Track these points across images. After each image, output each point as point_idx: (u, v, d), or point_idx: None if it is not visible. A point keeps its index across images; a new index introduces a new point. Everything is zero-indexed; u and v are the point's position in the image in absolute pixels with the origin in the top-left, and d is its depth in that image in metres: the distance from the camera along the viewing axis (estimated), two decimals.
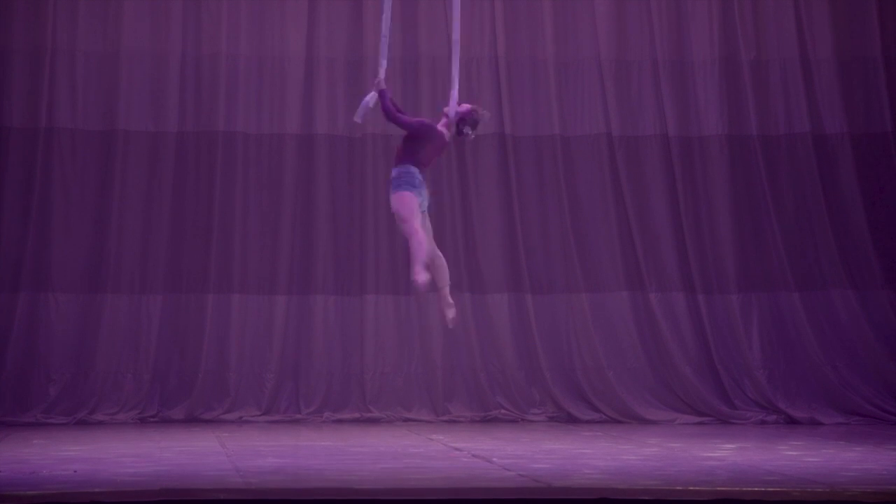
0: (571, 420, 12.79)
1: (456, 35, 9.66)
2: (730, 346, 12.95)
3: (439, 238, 12.90)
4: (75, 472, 8.64)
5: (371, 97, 9.55)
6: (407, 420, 12.74)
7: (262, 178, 12.94)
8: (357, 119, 9.77)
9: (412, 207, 9.29)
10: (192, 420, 12.51)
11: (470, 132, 9.60)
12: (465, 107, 9.58)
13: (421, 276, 9.15)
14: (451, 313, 9.49)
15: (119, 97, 12.76)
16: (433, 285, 9.46)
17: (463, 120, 9.54)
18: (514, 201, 13.03)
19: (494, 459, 9.48)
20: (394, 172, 9.41)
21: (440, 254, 9.55)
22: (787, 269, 12.96)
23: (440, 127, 9.52)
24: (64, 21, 12.72)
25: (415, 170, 9.36)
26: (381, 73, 9.51)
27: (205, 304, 12.72)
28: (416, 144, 9.42)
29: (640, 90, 13.22)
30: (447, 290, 9.49)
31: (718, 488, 7.77)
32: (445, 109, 9.58)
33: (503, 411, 12.88)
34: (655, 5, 13.18)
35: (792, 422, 12.66)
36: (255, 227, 12.91)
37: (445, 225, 12.92)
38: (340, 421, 12.67)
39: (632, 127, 13.18)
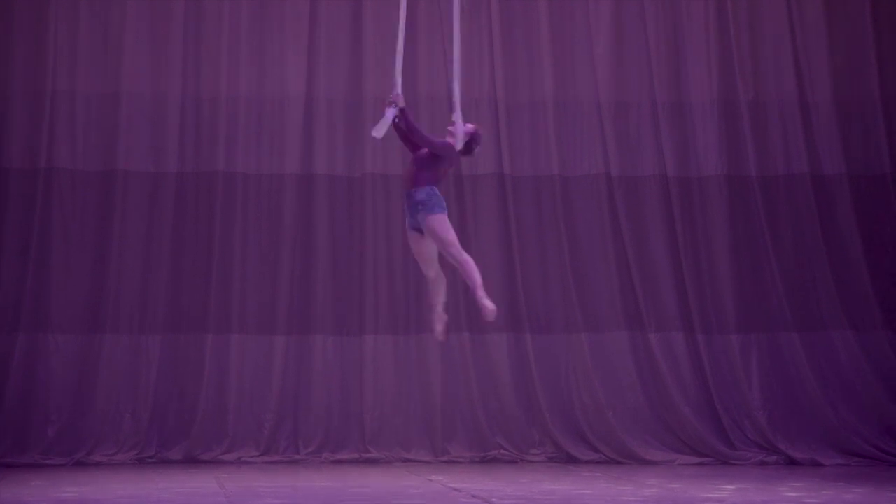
0: (571, 460, 12.75)
1: (456, 54, 9.61)
2: (729, 387, 12.92)
3: None
4: None
5: (391, 112, 9.36)
6: (406, 460, 12.70)
7: (262, 218, 12.95)
8: (376, 134, 9.41)
9: (452, 229, 9.27)
10: (191, 461, 12.47)
11: (477, 150, 9.59)
12: (471, 126, 9.52)
13: (487, 301, 9.10)
14: (488, 306, 9.21)
15: (119, 138, 12.78)
16: (434, 299, 9.55)
17: (473, 139, 9.49)
18: (513, 241, 13.05)
19: (494, 500, 9.45)
20: (420, 195, 9.27)
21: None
22: (786, 310, 12.96)
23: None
24: (64, 63, 12.77)
25: (438, 190, 9.33)
26: (398, 89, 9.39)
27: (204, 345, 12.70)
28: (438, 164, 9.36)
29: (639, 130, 13.26)
30: (481, 287, 9.30)
31: None
32: (451, 129, 9.44)
33: (502, 451, 12.85)
34: (654, 46, 13.24)
35: (792, 463, 12.63)
36: (255, 267, 12.90)
37: (445, 265, 12.89)
38: (339, 461, 12.63)
39: (631, 167, 13.21)
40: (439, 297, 9.62)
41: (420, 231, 9.36)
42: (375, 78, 13.02)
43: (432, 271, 9.57)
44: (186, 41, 12.94)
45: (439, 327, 9.66)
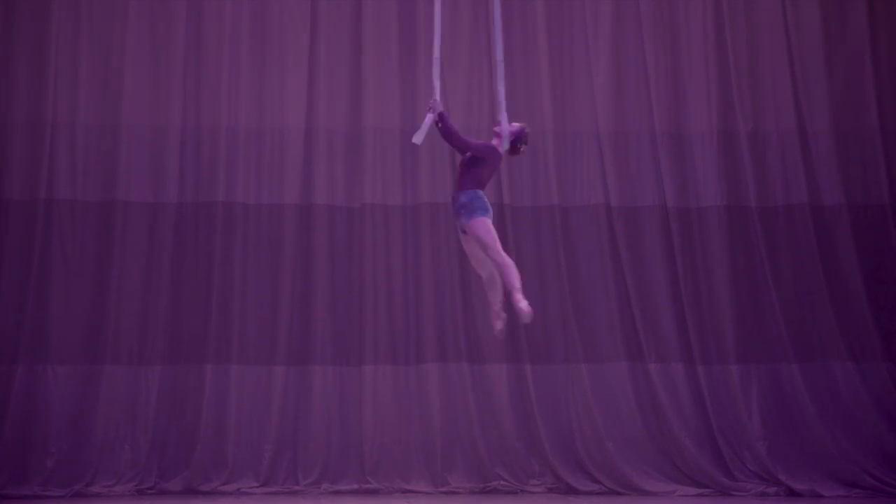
0: (571, 491, 12.71)
1: (500, 56, 9.76)
2: (729, 418, 12.89)
3: (439, 308, 12.96)
4: None
5: (430, 118, 9.54)
6: (406, 491, 12.65)
7: (262, 249, 12.94)
8: (416, 141, 9.58)
9: (494, 232, 9.45)
10: (190, 492, 12.42)
11: (523, 149, 9.78)
12: (517, 126, 9.73)
13: (524, 303, 9.23)
14: (525, 308, 9.35)
15: (119, 168, 12.79)
16: (491, 298, 9.72)
17: (518, 138, 9.70)
18: None
19: None
20: (463, 198, 9.53)
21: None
22: (786, 341, 12.94)
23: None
24: (64, 94, 12.79)
25: (482, 193, 9.54)
26: (437, 94, 9.61)
27: (203, 375, 12.67)
28: (481, 167, 9.57)
29: (638, 161, 13.27)
30: (519, 290, 9.44)
31: None
32: (497, 129, 9.69)
33: (502, 482, 12.81)
34: (653, 77, 13.25)
35: (792, 494, 12.58)
36: (254, 297, 12.88)
37: (445, 295, 12.94)
38: (339, 492, 12.59)
39: (630, 198, 13.21)
40: (495, 296, 9.72)
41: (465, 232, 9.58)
42: (375, 109, 13.06)
43: (484, 271, 9.72)
44: (187, 72, 12.96)
45: (498, 325, 9.76)
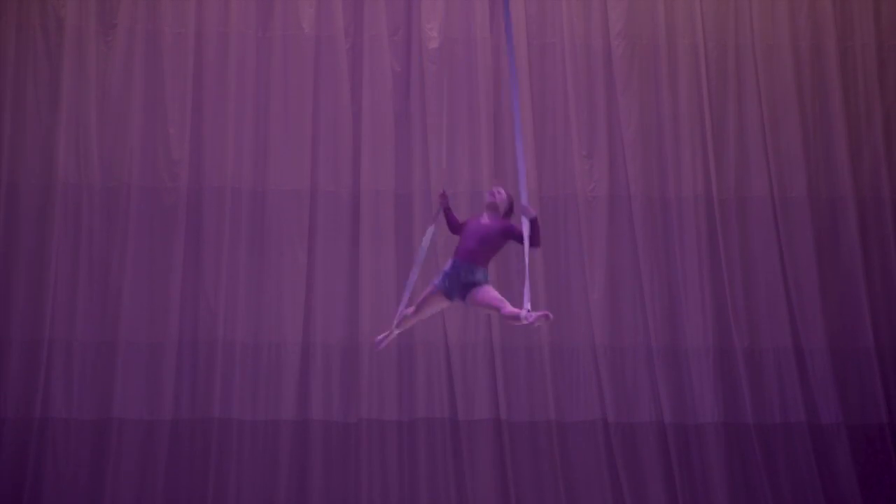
0: None
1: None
2: None
3: None
4: None
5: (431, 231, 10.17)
6: None
7: (257, 465, 12.82)
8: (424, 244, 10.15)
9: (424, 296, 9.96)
10: None
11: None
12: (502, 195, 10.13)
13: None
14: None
15: (115, 385, 12.76)
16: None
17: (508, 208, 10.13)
18: (510, 491, 12.88)
19: None
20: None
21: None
22: None
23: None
24: (62, 312, 12.82)
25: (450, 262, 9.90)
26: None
27: None
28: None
29: (634, 376, 13.25)
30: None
31: None
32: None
33: None
34: (649, 292, 13.31)
35: None
36: None
37: None
38: None
39: (627, 413, 13.15)
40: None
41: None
42: (371, 324, 13.07)
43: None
44: (185, 288, 13.01)
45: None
